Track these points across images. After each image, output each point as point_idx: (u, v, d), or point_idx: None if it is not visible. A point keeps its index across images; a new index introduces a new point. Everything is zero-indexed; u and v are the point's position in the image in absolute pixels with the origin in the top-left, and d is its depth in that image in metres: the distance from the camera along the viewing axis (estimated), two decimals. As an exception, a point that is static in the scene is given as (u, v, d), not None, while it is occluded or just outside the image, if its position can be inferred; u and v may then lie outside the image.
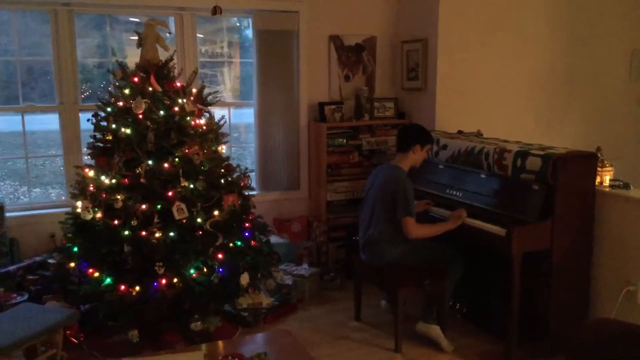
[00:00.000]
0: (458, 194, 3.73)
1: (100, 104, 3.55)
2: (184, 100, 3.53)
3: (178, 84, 3.61)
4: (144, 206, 3.28)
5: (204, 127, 3.60)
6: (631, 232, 3.24)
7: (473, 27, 4.64)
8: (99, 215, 3.32)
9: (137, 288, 3.26)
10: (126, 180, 3.34)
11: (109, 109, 3.48)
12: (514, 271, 3.17)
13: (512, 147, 3.51)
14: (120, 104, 3.45)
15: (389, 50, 5.11)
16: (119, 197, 3.26)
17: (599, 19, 5.12)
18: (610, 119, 5.26)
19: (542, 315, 3.32)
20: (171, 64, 3.62)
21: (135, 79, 3.47)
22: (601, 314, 3.37)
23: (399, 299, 3.40)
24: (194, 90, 3.68)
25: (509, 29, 4.78)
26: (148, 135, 3.34)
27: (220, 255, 3.39)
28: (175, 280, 3.29)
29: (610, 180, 3.42)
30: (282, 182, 4.91)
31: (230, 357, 2.43)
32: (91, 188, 3.39)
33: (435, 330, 3.52)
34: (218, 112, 3.93)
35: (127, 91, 3.46)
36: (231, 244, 3.49)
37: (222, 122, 3.76)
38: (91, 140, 3.53)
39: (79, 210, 3.37)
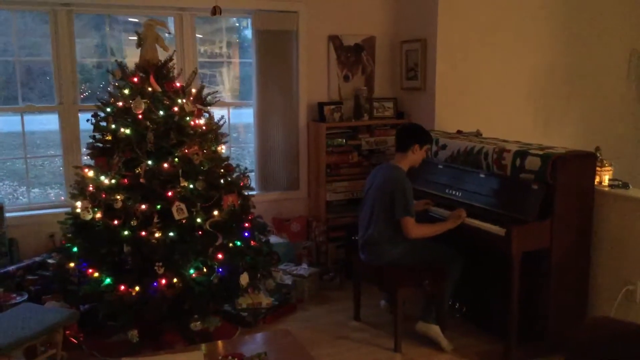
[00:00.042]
0: (457, 193, 3.73)
1: (99, 104, 3.55)
2: (184, 101, 3.53)
3: (177, 84, 3.61)
4: (143, 206, 3.28)
5: (204, 127, 3.60)
6: (630, 232, 3.25)
7: (472, 27, 4.64)
8: (98, 215, 3.31)
9: (137, 288, 3.26)
10: (126, 180, 3.34)
11: (108, 109, 3.47)
12: (514, 271, 3.18)
13: (511, 146, 3.51)
14: (120, 104, 3.45)
15: (388, 50, 5.11)
16: (118, 197, 3.26)
17: (598, 19, 5.12)
18: (610, 119, 5.26)
19: (541, 314, 3.33)
20: (170, 64, 3.61)
21: (135, 79, 3.47)
22: (600, 313, 3.37)
23: (399, 298, 3.41)
24: (194, 91, 3.68)
25: (509, 29, 4.78)
26: (147, 135, 3.34)
27: (219, 255, 3.39)
28: (175, 280, 3.28)
29: (610, 179, 3.43)
30: (281, 182, 4.92)
31: (230, 357, 2.44)
32: (91, 188, 3.38)
33: (434, 330, 3.52)
34: (217, 112, 3.92)
35: (126, 91, 3.46)
36: (231, 244, 3.49)
37: (221, 122, 3.76)
38: (90, 140, 3.53)
39: (78, 210, 3.37)
